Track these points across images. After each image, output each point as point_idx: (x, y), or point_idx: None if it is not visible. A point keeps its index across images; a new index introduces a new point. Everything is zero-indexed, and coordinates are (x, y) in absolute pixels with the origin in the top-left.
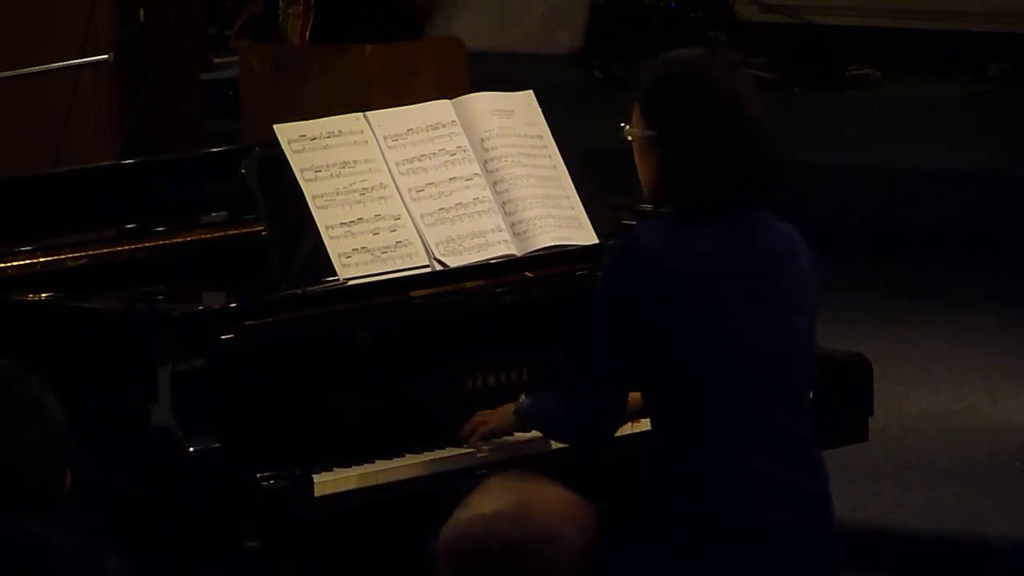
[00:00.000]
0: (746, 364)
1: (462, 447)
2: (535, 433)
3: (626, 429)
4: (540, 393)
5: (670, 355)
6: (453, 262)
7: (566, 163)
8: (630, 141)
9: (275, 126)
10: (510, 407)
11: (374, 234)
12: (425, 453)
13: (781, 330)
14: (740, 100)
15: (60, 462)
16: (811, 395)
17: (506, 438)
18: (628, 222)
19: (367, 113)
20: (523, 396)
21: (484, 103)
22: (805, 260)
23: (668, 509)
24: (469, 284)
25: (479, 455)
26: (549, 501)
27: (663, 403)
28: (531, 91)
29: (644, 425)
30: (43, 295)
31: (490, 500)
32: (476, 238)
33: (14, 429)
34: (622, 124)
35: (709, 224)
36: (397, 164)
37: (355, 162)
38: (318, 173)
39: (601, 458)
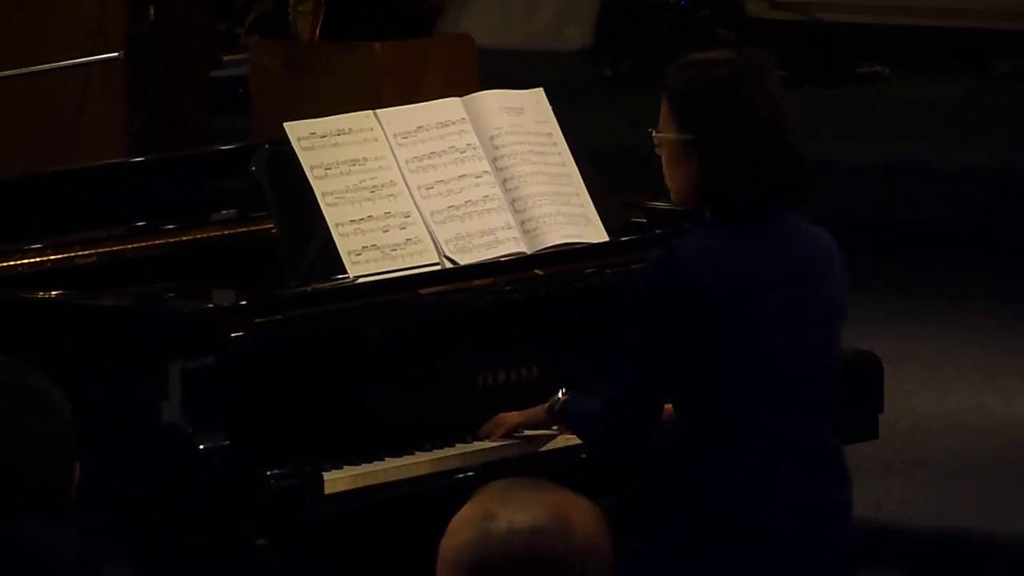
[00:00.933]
0: (778, 372)
1: (472, 444)
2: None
3: None
4: (578, 395)
5: (703, 362)
6: (463, 259)
7: (576, 160)
8: (657, 146)
9: (285, 124)
10: (541, 407)
11: (384, 231)
12: (435, 451)
13: (816, 338)
14: (775, 101)
15: (64, 460)
16: (836, 399)
17: (514, 435)
18: (638, 220)
19: (377, 111)
20: (559, 394)
21: (494, 100)
22: (839, 264)
23: (687, 506)
24: (479, 282)
25: (488, 450)
26: (583, 513)
27: (691, 406)
28: (541, 88)
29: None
30: (52, 293)
31: (523, 514)
32: (486, 236)
33: (16, 426)
34: (650, 130)
35: (746, 231)
36: (407, 162)
37: (365, 159)
38: (328, 171)
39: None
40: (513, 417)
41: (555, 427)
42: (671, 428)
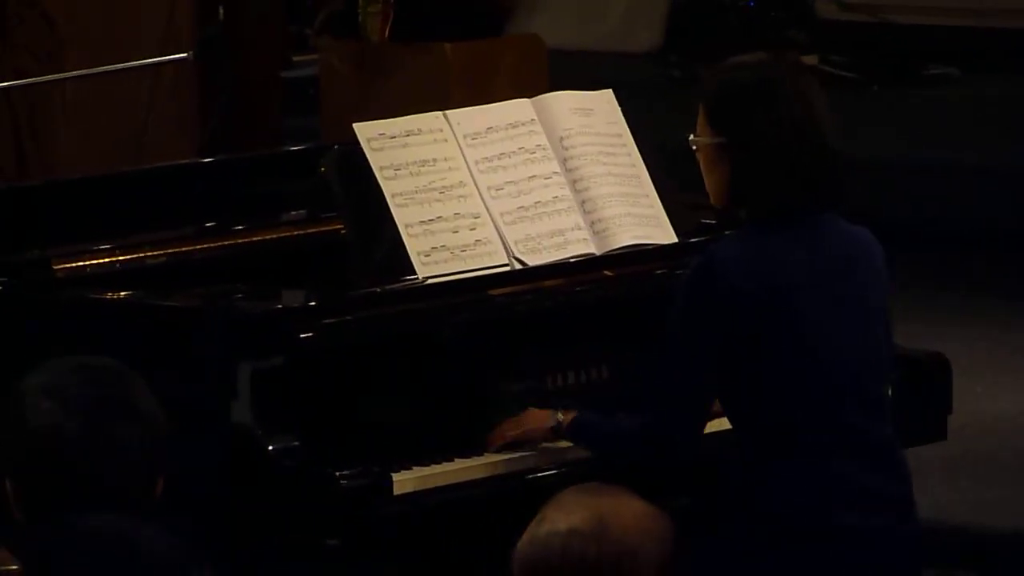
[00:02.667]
0: (827, 370)
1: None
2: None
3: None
4: (590, 412)
5: (748, 365)
6: (532, 260)
7: (645, 162)
8: (695, 150)
9: (354, 124)
10: (542, 419)
11: (453, 232)
12: (504, 452)
13: (860, 334)
14: (809, 102)
15: (153, 467)
16: (890, 394)
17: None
18: (708, 221)
19: (447, 111)
20: (561, 414)
21: (563, 102)
22: (879, 261)
23: (748, 510)
24: (548, 283)
25: (560, 451)
26: (624, 515)
27: (743, 409)
28: (610, 90)
29: (721, 424)
30: (122, 293)
31: (565, 516)
32: (555, 236)
33: (110, 428)
34: (689, 135)
35: (783, 232)
36: (476, 162)
37: (434, 160)
38: (397, 171)
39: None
40: (512, 431)
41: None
42: (729, 435)
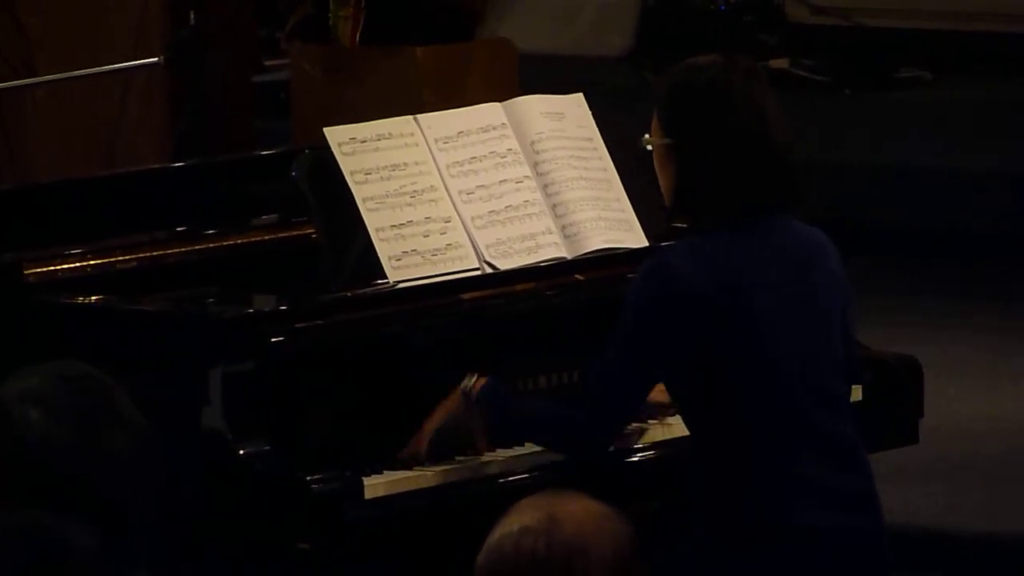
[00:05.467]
0: (783, 370)
1: (514, 449)
2: None
3: (661, 434)
4: (496, 383)
5: (706, 369)
6: (503, 264)
7: (616, 165)
8: (650, 150)
9: (325, 129)
10: (451, 400)
11: (424, 236)
12: (476, 456)
13: (816, 334)
14: (758, 108)
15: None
16: (851, 395)
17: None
18: (679, 224)
19: (417, 116)
20: (471, 380)
21: (534, 105)
22: (834, 263)
23: (710, 513)
24: (519, 287)
25: (531, 455)
26: (576, 513)
27: (701, 412)
28: (581, 94)
29: (679, 431)
30: (94, 298)
31: (517, 518)
32: (526, 240)
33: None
34: (642, 136)
35: (734, 236)
36: (447, 167)
37: (405, 165)
38: (368, 176)
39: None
40: (429, 422)
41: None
42: (689, 441)
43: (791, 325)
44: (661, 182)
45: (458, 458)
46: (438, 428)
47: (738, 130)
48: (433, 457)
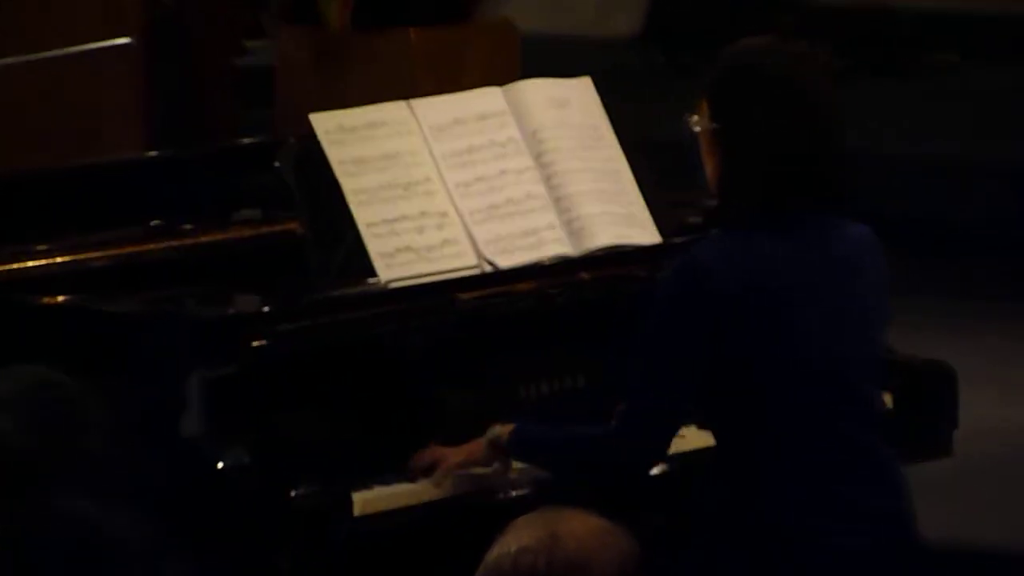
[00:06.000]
0: (818, 380)
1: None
2: None
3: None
4: (528, 423)
5: (736, 376)
6: (503, 262)
7: (626, 156)
8: (696, 133)
9: (311, 116)
10: (477, 444)
11: (418, 232)
12: (475, 469)
13: (856, 341)
14: (811, 97)
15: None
16: (885, 405)
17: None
18: (694, 219)
19: (411, 101)
20: (498, 427)
21: (537, 91)
22: (878, 264)
23: (732, 528)
24: (521, 286)
25: (532, 470)
26: (577, 529)
27: (728, 422)
28: (588, 77)
29: (693, 443)
30: (61, 298)
31: (515, 538)
32: (528, 236)
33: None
34: (689, 114)
35: (772, 233)
36: (443, 157)
37: (398, 155)
38: (358, 166)
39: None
40: (451, 457)
41: (497, 465)
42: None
43: (829, 331)
44: (706, 169)
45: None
46: (457, 467)
47: (787, 120)
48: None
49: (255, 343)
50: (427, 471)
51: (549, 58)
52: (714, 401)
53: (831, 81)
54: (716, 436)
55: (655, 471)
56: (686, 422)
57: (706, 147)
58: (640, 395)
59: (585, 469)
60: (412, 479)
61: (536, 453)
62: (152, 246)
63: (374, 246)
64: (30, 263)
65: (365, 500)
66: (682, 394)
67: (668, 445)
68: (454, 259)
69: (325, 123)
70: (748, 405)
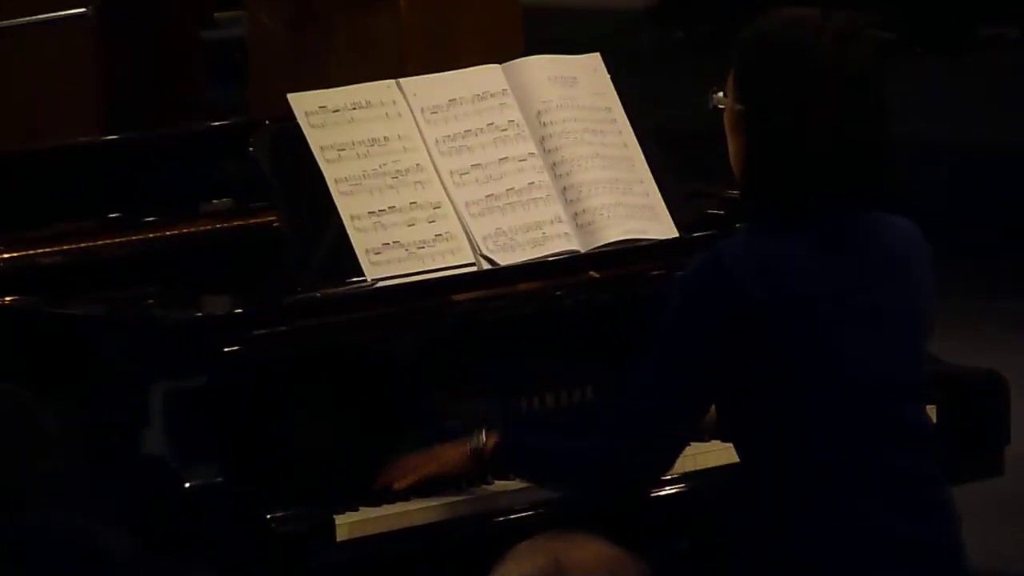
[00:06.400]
0: (856, 398)
1: (513, 481)
2: None
3: (692, 464)
4: (514, 433)
5: (764, 391)
6: (504, 259)
7: (640, 141)
8: (720, 109)
9: (290, 96)
10: (456, 451)
11: (409, 226)
12: (471, 489)
13: (897, 353)
14: (850, 78)
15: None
16: (930, 421)
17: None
18: (715, 212)
19: (401, 80)
20: (482, 435)
21: (541, 68)
22: (924, 264)
23: (761, 562)
24: (523, 286)
25: (532, 490)
26: (582, 555)
27: (755, 444)
28: (597, 54)
29: (712, 460)
30: (8, 299)
31: (517, 566)
32: (531, 231)
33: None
34: (714, 89)
35: (806, 229)
36: (437, 142)
37: (386, 139)
38: (342, 152)
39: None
40: (425, 466)
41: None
42: (733, 468)
43: (868, 343)
44: (730, 151)
45: (448, 491)
46: (431, 476)
47: (821, 103)
48: (415, 491)
49: (227, 349)
50: (397, 482)
51: (555, 31)
52: (738, 421)
53: (876, 59)
54: (741, 459)
55: (671, 490)
56: (698, 438)
57: (729, 127)
58: (642, 394)
59: (578, 483)
60: (380, 493)
61: (524, 465)
62: (111, 241)
63: (359, 241)
64: None
65: (350, 524)
66: (690, 401)
67: (673, 457)
68: (448, 256)
69: (305, 104)
70: (775, 427)
